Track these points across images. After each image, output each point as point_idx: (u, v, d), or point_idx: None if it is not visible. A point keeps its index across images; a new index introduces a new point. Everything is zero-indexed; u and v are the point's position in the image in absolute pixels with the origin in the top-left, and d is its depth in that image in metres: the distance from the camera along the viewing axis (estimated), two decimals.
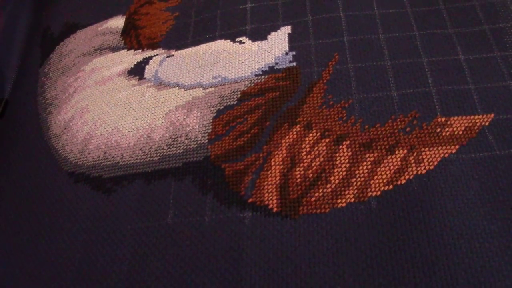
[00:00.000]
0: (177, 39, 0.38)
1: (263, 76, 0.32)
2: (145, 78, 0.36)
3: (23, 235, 0.31)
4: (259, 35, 0.35)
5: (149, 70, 0.37)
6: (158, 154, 0.31)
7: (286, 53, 0.33)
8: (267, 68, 0.33)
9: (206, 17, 0.38)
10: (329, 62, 0.32)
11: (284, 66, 0.32)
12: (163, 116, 0.33)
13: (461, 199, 0.24)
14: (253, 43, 0.35)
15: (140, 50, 0.39)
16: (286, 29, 0.35)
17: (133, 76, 0.37)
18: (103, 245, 0.28)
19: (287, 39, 0.34)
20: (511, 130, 0.26)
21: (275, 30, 0.35)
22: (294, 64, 0.32)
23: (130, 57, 0.39)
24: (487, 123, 0.27)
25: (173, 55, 0.37)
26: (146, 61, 0.38)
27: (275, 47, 0.34)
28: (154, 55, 0.38)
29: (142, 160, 0.31)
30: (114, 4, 0.45)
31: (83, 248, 0.29)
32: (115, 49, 0.40)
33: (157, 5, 0.42)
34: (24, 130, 0.39)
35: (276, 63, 0.33)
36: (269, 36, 0.35)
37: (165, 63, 0.37)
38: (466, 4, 0.33)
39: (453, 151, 0.26)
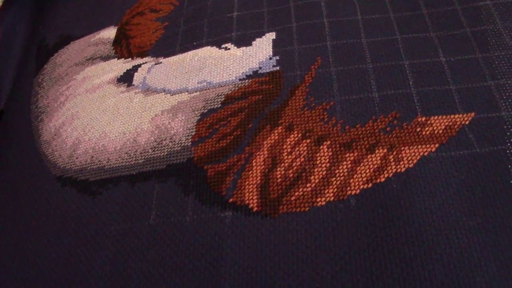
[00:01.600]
0: (166, 47, 0.39)
1: (247, 80, 0.33)
2: (133, 85, 0.37)
3: (10, 239, 0.31)
4: (244, 41, 0.36)
5: (137, 77, 0.37)
6: (143, 157, 0.31)
7: (270, 58, 0.34)
8: (251, 73, 0.33)
9: (194, 25, 0.39)
10: (312, 66, 0.32)
11: (267, 70, 0.33)
12: (149, 121, 0.33)
13: (440, 196, 0.24)
14: (238, 49, 0.35)
15: (130, 59, 0.40)
16: (271, 35, 0.35)
17: (122, 83, 0.38)
18: (87, 247, 0.28)
19: (271, 45, 0.34)
20: (491, 128, 0.26)
21: (260, 36, 0.35)
22: (278, 68, 0.33)
23: (120, 65, 0.40)
24: (467, 122, 0.27)
25: (161, 62, 0.38)
26: (135, 68, 0.38)
27: (259, 52, 0.34)
28: (143, 63, 0.39)
29: (128, 163, 0.32)
30: (107, 16, 0.46)
31: (67, 250, 0.29)
32: (106, 58, 0.41)
33: (148, 16, 0.43)
34: (16, 138, 0.39)
35: (260, 68, 0.33)
36: (254, 42, 0.35)
37: (153, 70, 0.37)
38: (449, 9, 0.34)
39: (433, 150, 0.26)
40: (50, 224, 0.31)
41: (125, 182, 0.31)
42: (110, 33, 0.44)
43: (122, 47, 0.41)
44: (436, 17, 0.33)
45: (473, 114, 0.27)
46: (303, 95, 0.31)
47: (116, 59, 0.40)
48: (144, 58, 0.39)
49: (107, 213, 0.29)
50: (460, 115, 0.27)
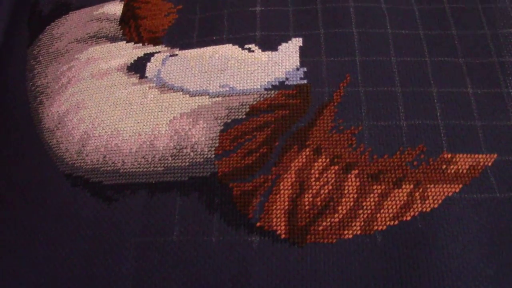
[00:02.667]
0: (181, 36, 0.36)
1: (273, 91, 0.32)
2: (146, 77, 0.35)
3: (19, 238, 0.30)
4: (269, 44, 0.34)
5: (150, 69, 0.35)
6: (162, 164, 0.31)
7: (297, 69, 0.32)
8: (277, 83, 0.32)
9: (212, 15, 0.37)
10: (341, 83, 0.31)
11: (295, 83, 0.32)
12: (166, 123, 0.32)
13: (461, 241, 0.25)
14: (263, 52, 0.34)
15: (141, 44, 0.37)
16: (297, 41, 0.34)
17: (133, 73, 0.35)
18: (106, 257, 0.28)
19: (298, 53, 0.33)
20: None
21: (286, 41, 0.34)
22: (305, 81, 0.32)
23: (130, 51, 0.37)
24: (490, 164, 0.28)
25: (176, 55, 0.35)
26: (147, 57, 0.36)
27: (286, 60, 0.33)
28: (156, 52, 0.36)
29: (145, 169, 0.31)
30: None
31: (84, 257, 0.28)
32: (112, 39, 0.38)
33: None
34: (13, 119, 0.37)
35: (287, 79, 0.32)
36: (279, 47, 0.34)
37: (168, 63, 0.35)
38: (479, 32, 0.33)
39: (457, 190, 0.27)
40: (63, 227, 0.30)
41: (143, 190, 0.30)
42: (115, 8, 0.40)
43: (131, 28, 0.38)
44: (466, 41, 0.33)
45: (496, 155, 0.28)
46: (331, 115, 0.30)
47: (124, 42, 0.38)
48: (157, 47, 0.36)
49: (126, 223, 0.29)
50: (484, 156, 0.28)
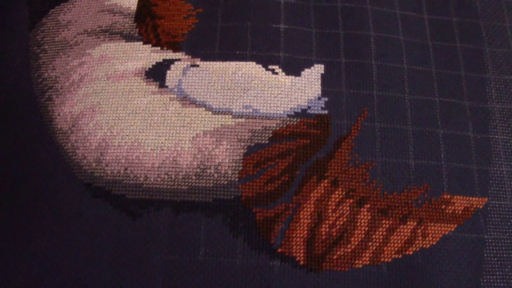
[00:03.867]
0: (202, 45, 0.36)
1: (295, 119, 0.33)
2: (167, 86, 0.35)
3: (37, 247, 0.31)
4: (292, 68, 0.35)
5: (171, 78, 0.35)
6: (187, 183, 0.32)
7: (319, 98, 0.34)
8: (299, 110, 0.34)
9: (235, 26, 0.36)
10: (359, 117, 0.34)
11: (316, 112, 0.34)
12: (189, 140, 0.33)
13: (454, 277, 0.30)
14: (286, 76, 0.35)
15: (159, 48, 0.36)
16: (320, 68, 0.35)
17: (152, 80, 0.35)
18: (133, 273, 0.30)
19: (320, 81, 0.34)
20: (499, 216, 0.32)
21: (309, 66, 0.35)
22: (326, 112, 0.34)
23: (147, 54, 0.36)
24: (481, 206, 0.32)
25: (198, 65, 0.35)
26: (166, 64, 0.36)
27: (309, 88, 0.34)
28: (176, 59, 0.36)
29: (169, 186, 0.32)
30: None
31: (110, 272, 0.30)
32: (128, 37, 0.37)
33: None
34: (20, 112, 0.35)
35: (309, 107, 0.34)
36: (302, 73, 0.35)
37: (189, 74, 0.35)
38: (483, 76, 0.36)
39: (452, 229, 0.31)
40: (85, 240, 0.31)
41: (168, 208, 0.31)
42: (130, 1, 0.38)
43: (148, 27, 0.37)
44: (472, 84, 0.36)
45: (486, 199, 0.32)
46: (349, 149, 0.33)
47: (141, 42, 0.37)
48: (177, 53, 0.36)
49: (152, 240, 0.30)
50: (477, 198, 0.32)
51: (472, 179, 0.33)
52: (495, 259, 0.30)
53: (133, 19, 0.38)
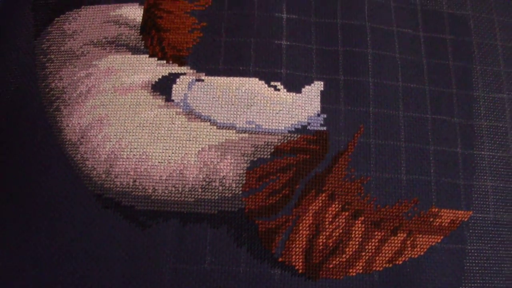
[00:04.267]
0: (207, 60, 0.37)
1: (295, 134, 0.35)
2: (173, 100, 0.36)
3: (49, 255, 0.33)
4: (293, 84, 0.36)
5: (177, 92, 0.36)
6: (193, 196, 0.34)
7: (318, 115, 0.36)
8: (300, 126, 0.35)
9: (239, 41, 0.38)
10: (355, 134, 0.36)
11: (315, 128, 0.35)
12: (195, 154, 0.35)
13: (439, 285, 0.32)
14: (288, 93, 0.36)
15: (165, 62, 0.37)
16: (319, 85, 0.37)
17: (158, 93, 0.36)
18: (143, 280, 0.32)
19: (319, 98, 0.36)
20: (482, 228, 0.34)
21: (309, 83, 0.37)
22: (325, 128, 0.35)
23: (154, 67, 0.37)
24: (466, 219, 0.35)
25: (203, 80, 0.37)
26: (172, 78, 0.37)
27: (309, 104, 0.36)
28: (181, 73, 0.37)
29: (176, 198, 0.34)
30: None
31: (120, 278, 0.32)
32: (134, 50, 0.38)
33: (181, 4, 0.39)
34: (29, 123, 0.37)
35: (309, 123, 0.35)
36: (303, 90, 0.36)
37: (195, 88, 0.37)
38: (473, 94, 0.38)
39: (439, 241, 0.34)
40: (95, 247, 0.33)
41: (175, 219, 0.33)
42: (135, 12, 0.39)
43: (153, 40, 0.38)
44: (462, 101, 0.38)
45: (471, 212, 0.35)
46: (345, 164, 0.35)
47: (147, 55, 0.38)
48: (182, 67, 0.37)
49: (161, 249, 0.32)
50: (462, 212, 0.35)
51: (458, 193, 0.35)
52: (477, 268, 0.33)
53: (139, 31, 0.39)
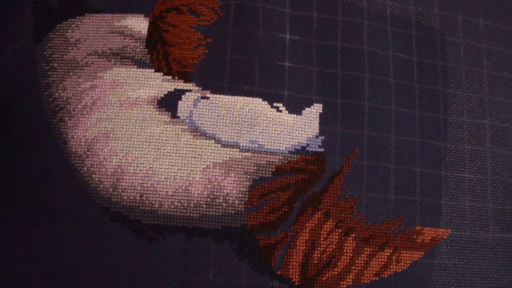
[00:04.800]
0: (212, 77, 0.38)
1: (295, 155, 0.37)
2: (178, 117, 0.37)
3: (57, 268, 0.34)
4: (294, 106, 0.38)
5: (182, 109, 0.38)
6: (198, 211, 0.36)
7: (317, 136, 0.38)
8: (299, 147, 0.37)
9: (243, 60, 0.39)
10: (350, 155, 0.38)
11: (313, 150, 0.38)
12: (200, 171, 0.36)
13: None
14: (289, 115, 0.38)
15: (170, 77, 0.38)
16: (318, 108, 0.39)
17: (164, 109, 0.37)
18: None
19: (318, 120, 0.38)
20: (459, 245, 0.38)
21: (309, 105, 0.39)
22: (322, 150, 0.38)
23: (159, 83, 0.38)
24: (445, 236, 0.38)
25: (208, 98, 0.38)
26: (178, 94, 0.38)
27: (308, 126, 0.38)
28: (187, 90, 0.38)
29: (182, 213, 0.35)
30: None
31: None
32: (140, 63, 0.38)
33: (186, 18, 0.40)
34: (32, 132, 0.37)
35: (308, 145, 0.38)
36: (303, 112, 0.38)
37: (200, 105, 0.38)
38: (458, 119, 0.41)
39: (420, 256, 0.37)
40: (102, 259, 0.34)
41: (181, 233, 0.35)
42: (140, 25, 0.39)
43: (159, 54, 0.39)
44: (449, 126, 0.41)
45: (450, 230, 0.39)
46: (340, 184, 0.37)
47: (152, 70, 0.38)
48: (188, 84, 0.38)
49: (167, 262, 0.34)
50: (442, 230, 0.38)
51: (440, 212, 0.39)
52: (453, 281, 0.37)
53: (144, 44, 0.39)
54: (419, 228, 0.38)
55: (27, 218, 0.35)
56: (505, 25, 0.44)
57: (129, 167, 0.36)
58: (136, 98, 0.38)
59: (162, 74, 0.38)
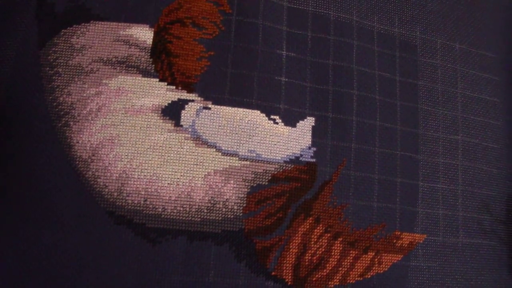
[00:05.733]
0: (214, 89, 0.40)
1: (290, 165, 0.40)
2: (181, 125, 0.39)
3: (62, 269, 0.35)
4: (290, 119, 0.41)
5: (185, 118, 0.40)
6: (199, 216, 0.38)
7: (309, 148, 0.41)
8: (293, 157, 0.40)
9: (243, 74, 0.41)
10: (339, 166, 0.41)
11: (306, 160, 0.41)
12: (202, 177, 0.38)
13: None
14: (285, 127, 0.41)
15: (174, 87, 0.40)
16: (311, 121, 0.42)
17: (168, 118, 0.39)
18: None
19: (311, 132, 0.41)
20: (433, 248, 0.43)
21: (302, 119, 0.42)
22: (314, 160, 0.41)
23: (163, 92, 0.40)
24: (421, 241, 0.42)
25: (209, 108, 0.40)
26: (181, 104, 0.40)
27: (302, 138, 0.41)
28: (190, 100, 0.40)
29: (184, 218, 0.38)
30: (138, 4, 0.41)
31: None
32: (144, 72, 0.40)
33: (190, 30, 0.42)
34: (37, 136, 0.38)
35: (301, 155, 0.41)
36: (298, 124, 0.41)
37: (203, 115, 0.40)
38: (434, 135, 0.46)
39: (400, 259, 0.41)
40: (107, 261, 0.36)
41: (183, 236, 0.37)
42: (145, 35, 0.41)
43: (163, 64, 0.40)
44: (426, 141, 0.45)
45: (425, 235, 0.43)
46: (329, 192, 0.41)
47: (157, 79, 0.40)
48: (190, 94, 0.40)
49: (170, 263, 0.37)
50: (419, 235, 0.43)
51: (416, 219, 0.43)
52: (427, 281, 0.42)
53: (149, 54, 0.41)
54: (399, 233, 0.42)
55: (32, 222, 0.36)
56: (478, 50, 0.49)
57: (133, 173, 0.38)
58: (141, 106, 0.39)
59: (166, 83, 0.40)
